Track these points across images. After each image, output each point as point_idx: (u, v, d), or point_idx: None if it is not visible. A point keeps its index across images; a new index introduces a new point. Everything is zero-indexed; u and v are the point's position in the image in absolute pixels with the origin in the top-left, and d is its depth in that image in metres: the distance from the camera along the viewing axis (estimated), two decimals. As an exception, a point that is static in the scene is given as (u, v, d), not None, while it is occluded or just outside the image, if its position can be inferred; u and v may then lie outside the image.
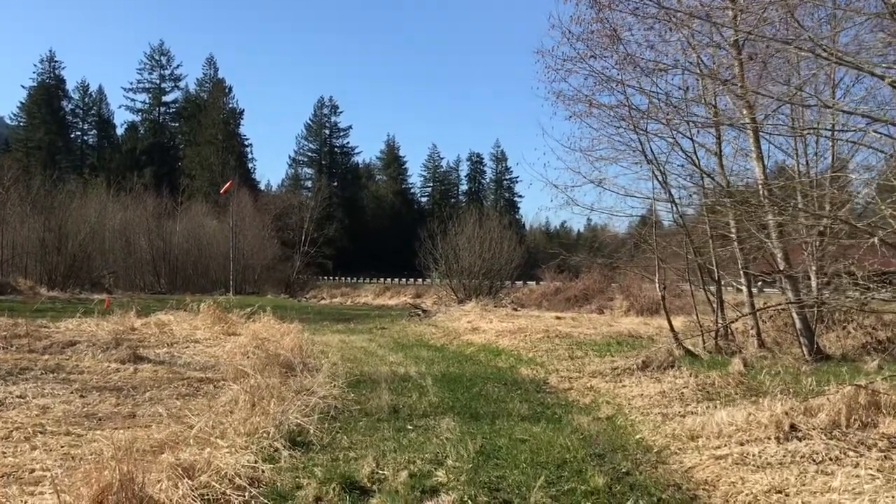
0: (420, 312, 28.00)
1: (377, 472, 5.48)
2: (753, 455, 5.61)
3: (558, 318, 22.35)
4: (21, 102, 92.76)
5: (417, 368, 11.91)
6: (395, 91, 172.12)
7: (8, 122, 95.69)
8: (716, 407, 7.39)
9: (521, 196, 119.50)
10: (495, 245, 38.23)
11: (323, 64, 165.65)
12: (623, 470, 5.76)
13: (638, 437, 6.93)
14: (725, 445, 5.98)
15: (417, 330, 20.75)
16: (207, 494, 4.76)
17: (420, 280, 52.62)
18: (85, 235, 46.48)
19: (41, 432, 6.40)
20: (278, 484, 5.21)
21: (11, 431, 6.35)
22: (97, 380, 9.36)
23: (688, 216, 13.79)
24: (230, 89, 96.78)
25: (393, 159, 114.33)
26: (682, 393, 8.31)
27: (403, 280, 60.35)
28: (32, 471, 5.17)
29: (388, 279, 63.75)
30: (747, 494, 4.98)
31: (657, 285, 13.49)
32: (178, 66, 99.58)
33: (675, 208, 12.97)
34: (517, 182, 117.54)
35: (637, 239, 15.66)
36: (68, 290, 38.63)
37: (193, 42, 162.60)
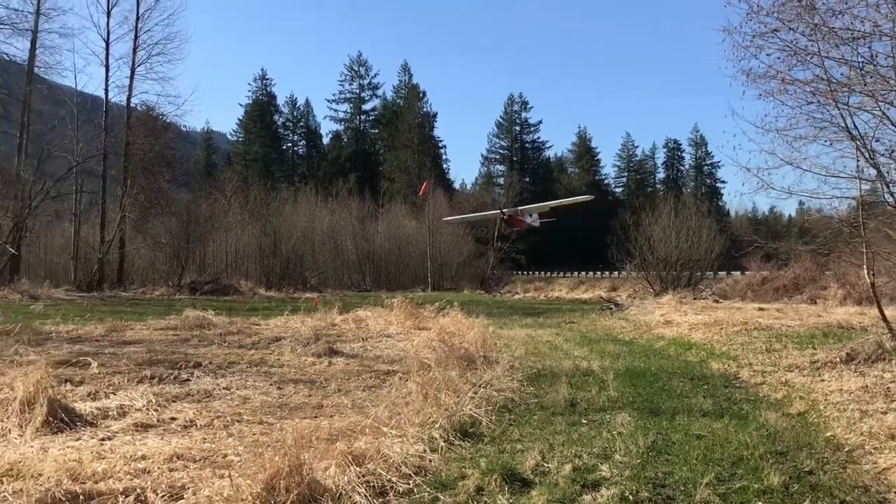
0: (612, 306, 27.44)
1: (541, 465, 5.47)
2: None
3: (761, 309, 21.02)
4: (239, 119, 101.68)
5: (601, 363, 11.69)
6: (585, 82, 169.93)
7: (229, 138, 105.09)
8: (928, 405, 6.65)
9: (723, 182, 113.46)
10: (693, 234, 36.62)
11: (511, 61, 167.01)
12: (805, 469, 5.35)
13: (828, 434, 6.39)
14: (932, 447, 5.37)
15: (607, 324, 20.35)
16: (373, 481, 4.98)
17: (616, 273, 51.54)
18: (297, 239, 50.05)
19: (238, 421, 6.98)
20: (443, 473, 5.34)
21: (213, 420, 6.99)
22: (294, 373, 10.06)
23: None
24: (424, 94, 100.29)
25: (585, 151, 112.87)
26: (888, 388, 7.55)
27: (598, 273, 59.46)
28: (225, 455, 5.64)
29: (583, 273, 63.11)
30: (953, 502, 4.45)
31: (865, 272, 12.30)
32: (375, 75, 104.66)
33: (884, 187, 11.73)
34: (719, 167, 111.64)
35: (847, 224, 14.33)
36: (283, 290, 41.78)
37: (388, 50, 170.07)
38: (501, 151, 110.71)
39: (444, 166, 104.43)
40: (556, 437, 6.46)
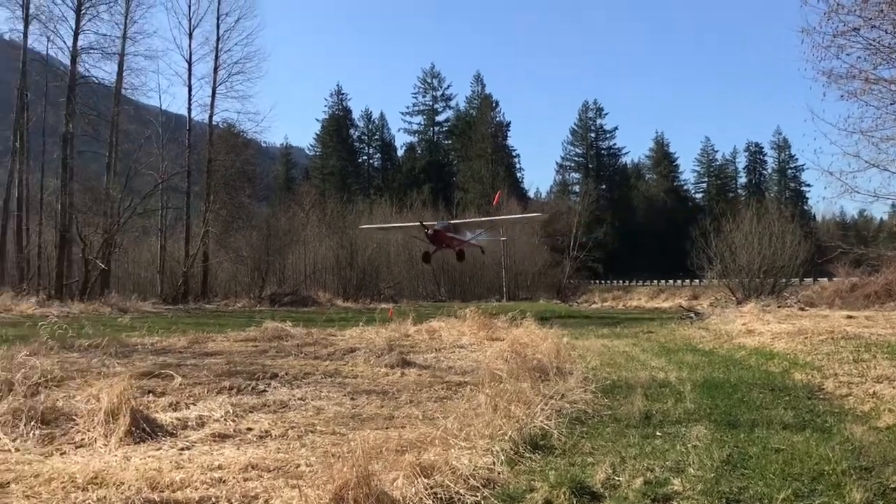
0: (692, 315, 26.80)
1: (612, 478, 5.38)
2: None
3: (849, 317, 20.20)
4: (316, 134, 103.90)
5: (678, 374, 11.42)
6: (661, 87, 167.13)
7: (307, 152, 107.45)
8: None
9: (808, 185, 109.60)
10: (776, 240, 35.56)
11: (586, 67, 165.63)
12: (892, 485, 5.11)
13: (919, 450, 6.07)
14: None
15: (686, 333, 19.88)
16: (440, 493, 4.99)
17: (697, 281, 50.38)
18: (372, 251, 50.79)
19: (311, 431, 7.10)
20: (511, 486, 5.31)
21: (287, 430, 7.13)
22: (367, 383, 10.18)
23: None
24: (497, 103, 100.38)
25: (663, 157, 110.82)
26: None
27: (679, 281, 58.20)
28: (298, 466, 5.75)
29: (663, 281, 61.86)
30: None
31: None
32: (448, 86, 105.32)
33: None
34: (803, 170, 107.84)
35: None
36: (359, 301, 42.46)
37: (461, 61, 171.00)
38: (576, 159, 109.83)
39: (518, 175, 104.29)
40: (628, 450, 6.34)
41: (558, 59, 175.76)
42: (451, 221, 37.05)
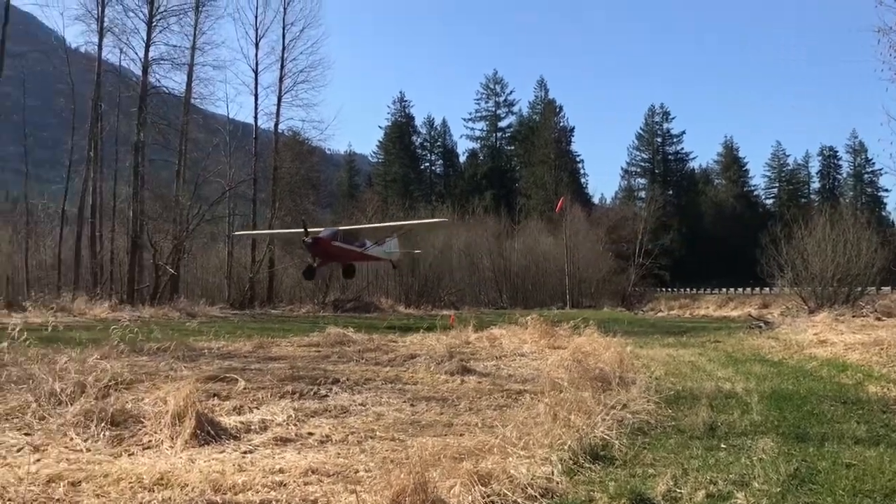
0: (761, 324, 26.07)
1: (673, 490, 5.27)
2: None
3: (931, 327, 19.37)
4: (379, 142, 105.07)
5: (745, 385, 11.13)
6: (730, 90, 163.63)
7: (370, 159, 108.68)
8: None
9: (886, 190, 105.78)
10: (850, 247, 34.26)
11: (651, 71, 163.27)
12: (970, 507, 4.86)
13: None
14: None
15: (755, 343, 19.36)
16: (497, 502, 4.96)
17: (767, 289, 49.03)
18: (434, 257, 50.98)
19: (371, 437, 7.16)
20: (570, 496, 5.24)
21: (348, 435, 7.20)
22: (427, 390, 10.20)
23: None
24: (560, 108, 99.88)
25: (732, 161, 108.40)
26: None
27: (748, 290, 56.77)
28: (357, 471, 5.79)
29: (732, 289, 60.42)
30: None
31: None
32: (510, 92, 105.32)
33: None
34: (881, 174, 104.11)
35: None
36: (421, 308, 42.69)
37: (524, 67, 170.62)
38: (642, 164, 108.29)
39: (582, 181, 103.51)
40: (691, 462, 6.20)
41: (624, 61, 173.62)
42: (342, 228, 31.90)
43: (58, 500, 4.89)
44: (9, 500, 4.75)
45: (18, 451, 6.34)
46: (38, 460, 5.92)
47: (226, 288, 45.15)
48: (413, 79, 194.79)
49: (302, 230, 28.10)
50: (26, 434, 6.92)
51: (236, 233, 43.44)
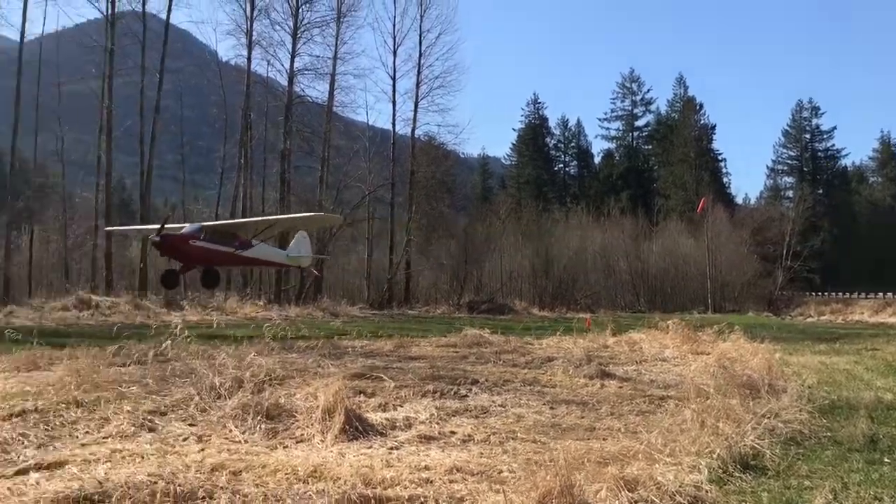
0: (926, 331, 24.20)
1: (833, 506, 5.01)
2: None
3: None
4: (512, 144, 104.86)
5: (910, 395, 10.39)
6: (887, 80, 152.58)
7: (503, 162, 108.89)
8: None
9: None
10: None
11: (798, 66, 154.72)
12: None
13: None
14: None
15: (919, 351, 17.99)
16: (644, 508, 4.89)
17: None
18: (568, 259, 50.54)
19: (513, 438, 7.21)
20: (721, 507, 5.09)
21: (489, 436, 7.28)
22: (566, 393, 10.15)
23: None
24: (700, 106, 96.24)
25: (889, 157, 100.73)
26: None
27: (908, 294, 52.79)
28: (500, 471, 5.85)
29: (889, 293, 56.29)
30: None
31: None
32: (647, 90, 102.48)
33: None
34: None
35: None
36: (555, 310, 42.39)
37: (661, 65, 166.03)
38: (789, 162, 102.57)
39: (725, 180, 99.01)
40: (851, 476, 5.87)
41: (768, 54, 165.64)
42: (209, 224, 27.40)
43: (221, 487, 5.21)
44: (179, 485, 5.10)
45: (184, 440, 6.82)
46: (202, 450, 6.35)
47: (365, 289, 46.56)
48: (548, 80, 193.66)
49: (159, 226, 23.77)
50: (190, 425, 7.43)
51: (108, 228, 35.40)
